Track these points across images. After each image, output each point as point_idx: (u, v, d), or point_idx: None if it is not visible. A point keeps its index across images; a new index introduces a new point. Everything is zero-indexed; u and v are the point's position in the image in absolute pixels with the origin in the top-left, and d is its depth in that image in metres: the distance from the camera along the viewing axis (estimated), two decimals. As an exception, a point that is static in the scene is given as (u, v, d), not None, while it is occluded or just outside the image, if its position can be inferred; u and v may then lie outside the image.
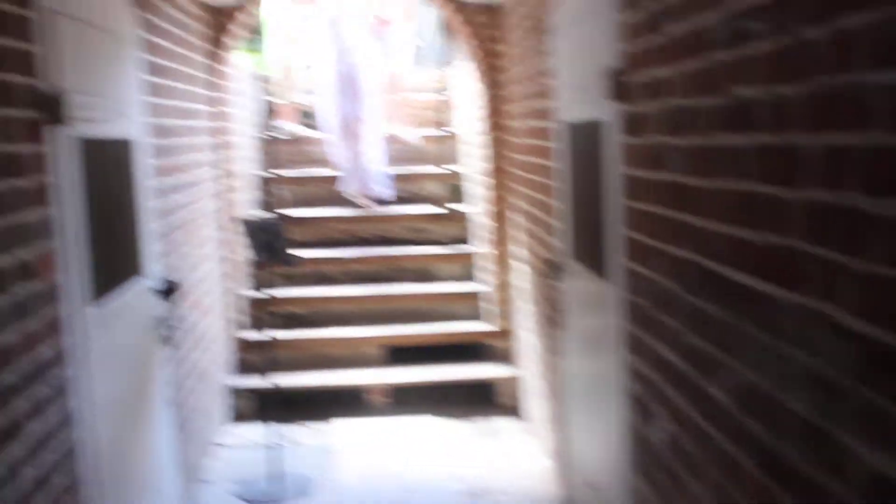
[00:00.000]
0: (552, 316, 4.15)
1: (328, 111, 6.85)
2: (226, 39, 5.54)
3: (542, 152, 4.33)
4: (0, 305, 2.23)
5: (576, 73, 3.39)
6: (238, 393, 5.60)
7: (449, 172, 7.10)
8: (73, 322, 2.71)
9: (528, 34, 4.66)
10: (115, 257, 3.25)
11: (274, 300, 6.11)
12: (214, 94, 5.54)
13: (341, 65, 6.73)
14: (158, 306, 3.81)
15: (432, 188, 7.05)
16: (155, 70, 4.04)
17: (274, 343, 5.87)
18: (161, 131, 4.12)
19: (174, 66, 4.46)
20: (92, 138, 2.98)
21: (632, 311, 2.73)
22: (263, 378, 5.68)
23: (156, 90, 4.06)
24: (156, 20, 4.09)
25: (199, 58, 5.16)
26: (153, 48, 4.03)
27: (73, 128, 2.75)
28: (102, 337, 2.98)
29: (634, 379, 2.74)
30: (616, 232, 2.85)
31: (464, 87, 7.00)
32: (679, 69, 2.19)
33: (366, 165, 6.74)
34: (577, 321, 3.72)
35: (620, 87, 2.70)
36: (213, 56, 5.51)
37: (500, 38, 5.62)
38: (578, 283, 3.62)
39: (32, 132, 2.50)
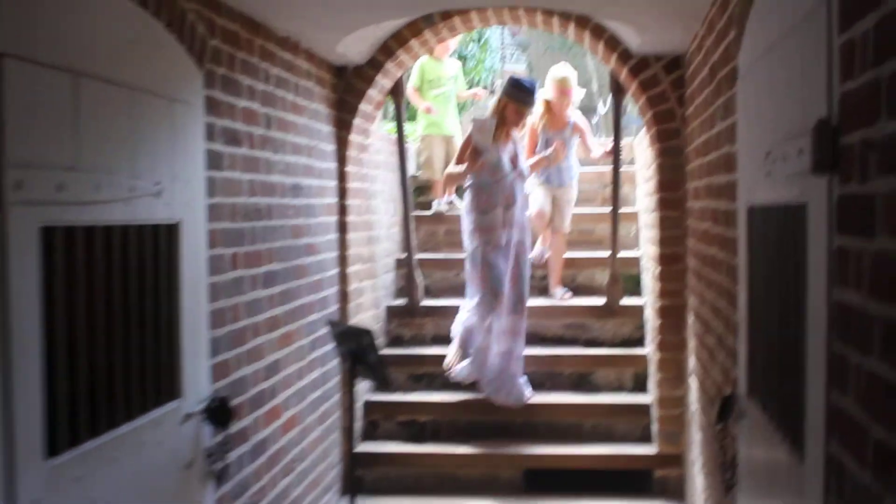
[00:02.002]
0: (722, 463, 2.95)
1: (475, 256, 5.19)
2: (357, 103, 4.84)
3: (724, 244, 3.19)
4: None
5: (765, 133, 2.29)
6: (347, 518, 4.71)
7: (626, 259, 5.97)
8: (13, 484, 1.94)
9: (708, 87, 3.57)
10: (119, 382, 2.47)
11: (395, 407, 5.27)
12: (342, 168, 4.84)
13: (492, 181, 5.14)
14: (205, 435, 3.02)
15: (603, 278, 5.90)
16: (235, 139, 3.35)
17: (391, 458, 4.99)
18: (240, 212, 3.40)
19: (273, 134, 3.77)
20: (78, 225, 2.25)
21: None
22: (375, 502, 4.79)
23: (236, 163, 3.36)
24: (242, 79, 3.41)
25: (318, 125, 4.47)
26: (233, 113, 3.34)
27: (30, 213, 2.02)
28: (74, 496, 2.20)
29: None
30: (818, 390, 1.70)
31: (644, 157, 5.92)
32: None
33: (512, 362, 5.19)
34: (753, 485, 2.52)
35: (835, 152, 1.60)
36: (341, 123, 4.83)
37: (674, 96, 4.54)
38: (756, 435, 2.44)
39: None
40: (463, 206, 5.34)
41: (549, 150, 5.62)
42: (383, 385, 3.59)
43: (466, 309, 5.27)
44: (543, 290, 6.10)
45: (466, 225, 5.24)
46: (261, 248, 3.64)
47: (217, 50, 3.19)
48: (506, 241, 5.12)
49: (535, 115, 5.87)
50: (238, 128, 3.39)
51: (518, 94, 5.13)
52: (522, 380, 5.19)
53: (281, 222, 3.87)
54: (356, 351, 3.37)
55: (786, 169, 1.98)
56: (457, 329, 5.32)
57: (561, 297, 5.95)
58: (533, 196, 5.94)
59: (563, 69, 5.95)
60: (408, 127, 8.18)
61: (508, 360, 5.13)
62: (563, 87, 5.87)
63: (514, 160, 5.21)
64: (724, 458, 2.86)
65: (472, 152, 5.06)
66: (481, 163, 5.03)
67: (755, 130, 2.45)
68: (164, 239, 2.74)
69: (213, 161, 3.14)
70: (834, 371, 1.59)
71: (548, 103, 5.92)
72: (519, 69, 23.30)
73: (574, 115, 6.07)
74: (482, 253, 5.10)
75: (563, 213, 6.05)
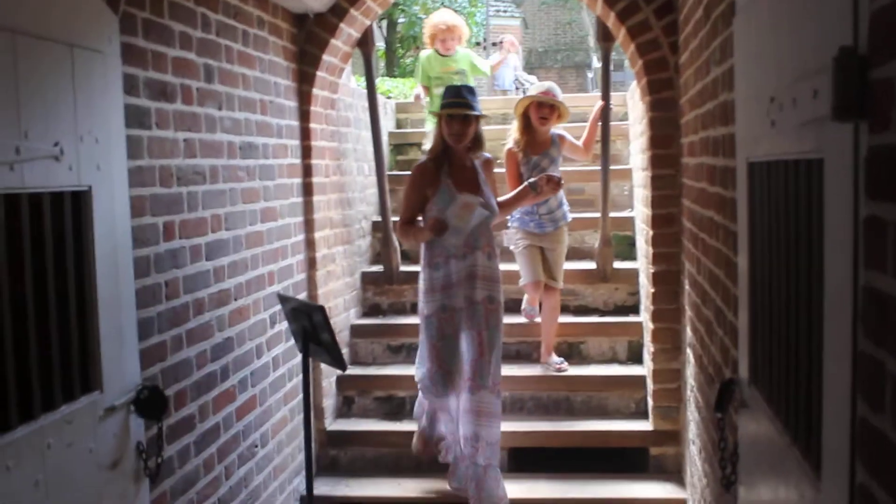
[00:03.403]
0: (721, 457, 2.59)
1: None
2: (320, 55, 4.42)
3: (722, 205, 2.81)
4: None
5: (769, 74, 1.89)
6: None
7: (619, 220, 5.58)
8: None
9: (703, 29, 3.16)
10: (11, 379, 2.11)
11: (371, 381, 4.93)
12: (305, 125, 4.44)
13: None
14: (135, 429, 2.67)
15: (594, 240, 5.50)
16: (164, 93, 2.94)
17: (367, 437, 4.65)
18: (175, 176, 3.01)
19: (216, 87, 3.36)
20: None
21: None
22: (349, 485, 4.47)
23: (168, 120, 2.96)
24: (172, 25, 3.00)
25: (275, 78, 4.06)
26: (163, 63, 2.93)
27: None
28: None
29: None
30: (839, 396, 1.33)
31: (636, 111, 5.50)
32: None
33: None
34: (757, 486, 2.16)
35: (863, 91, 1.21)
36: (303, 77, 4.41)
37: (667, 43, 4.12)
38: (761, 431, 2.08)
39: None
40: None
41: (535, 179, 4.37)
42: (338, 366, 3.22)
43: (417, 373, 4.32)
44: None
45: (420, 282, 4.22)
46: (204, 214, 3.26)
47: (137, -10, 2.78)
48: (466, 300, 4.05)
49: (511, 137, 4.98)
50: (169, 80, 2.98)
51: (443, 102, 4.09)
52: (495, 473, 4.11)
53: (229, 186, 3.49)
54: (308, 329, 3.01)
55: (796, 116, 1.58)
56: (418, 410, 4.45)
57: (556, 368, 4.93)
58: (519, 257, 5.00)
59: (546, 83, 5.11)
60: (390, 83, 7.75)
61: (475, 448, 4.06)
62: (546, 97, 4.86)
63: (476, 192, 4.08)
64: (724, 451, 2.50)
65: (434, 222, 3.99)
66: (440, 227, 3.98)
67: (757, 73, 2.05)
68: (68, 209, 2.36)
69: (136, 118, 2.75)
70: (862, 377, 1.22)
71: (524, 118, 4.89)
72: (512, 25, 22.69)
73: (555, 129, 5.04)
74: (436, 324, 4.10)
75: (554, 265, 4.98)
